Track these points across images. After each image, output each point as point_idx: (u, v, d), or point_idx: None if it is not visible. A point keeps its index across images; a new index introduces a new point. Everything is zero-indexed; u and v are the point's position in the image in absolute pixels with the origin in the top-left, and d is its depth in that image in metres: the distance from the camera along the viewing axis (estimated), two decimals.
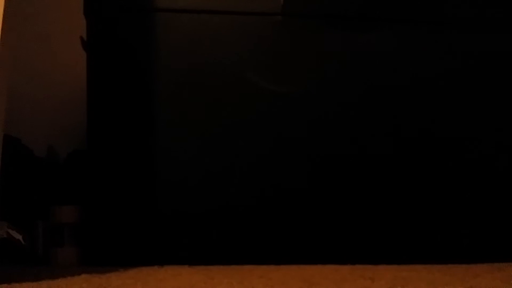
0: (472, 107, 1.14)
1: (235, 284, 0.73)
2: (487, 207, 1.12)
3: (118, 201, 1.06)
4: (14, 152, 1.14)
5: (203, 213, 1.07)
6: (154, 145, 1.08)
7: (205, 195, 1.07)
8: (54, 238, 1.09)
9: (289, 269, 0.95)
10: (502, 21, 1.17)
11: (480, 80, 1.15)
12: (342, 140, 1.10)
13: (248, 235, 1.07)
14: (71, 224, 1.10)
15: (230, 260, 1.02)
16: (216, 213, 1.07)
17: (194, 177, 1.07)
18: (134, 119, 1.08)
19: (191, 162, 1.07)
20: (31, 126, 1.40)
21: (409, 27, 1.14)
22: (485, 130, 1.14)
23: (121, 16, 1.10)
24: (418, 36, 1.14)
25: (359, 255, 1.06)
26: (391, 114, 1.12)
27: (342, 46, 1.12)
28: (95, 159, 1.08)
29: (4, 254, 1.04)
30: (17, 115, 1.33)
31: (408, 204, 1.10)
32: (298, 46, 1.12)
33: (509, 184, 1.13)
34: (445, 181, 1.11)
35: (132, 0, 1.10)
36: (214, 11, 1.10)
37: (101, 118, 1.09)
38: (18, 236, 1.03)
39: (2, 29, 0.79)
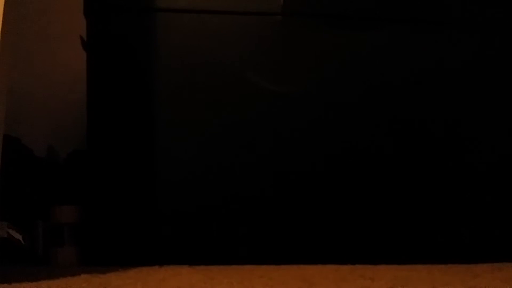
0: (472, 106, 1.14)
1: (235, 284, 0.73)
2: (487, 207, 1.12)
3: (118, 201, 1.06)
4: (14, 152, 1.14)
5: (203, 213, 1.07)
6: (154, 145, 1.08)
7: (205, 195, 1.07)
8: (54, 238, 1.09)
9: (289, 269, 0.95)
10: (503, 21, 1.17)
11: (480, 80, 1.15)
12: (342, 140, 1.10)
13: (248, 235, 1.07)
14: (71, 224, 1.10)
15: (230, 260, 1.02)
16: (216, 213, 1.07)
17: (194, 177, 1.07)
18: (134, 119, 1.08)
19: (191, 161, 1.07)
20: (31, 126, 1.40)
21: (409, 27, 1.14)
22: (485, 130, 1.14)
23: (121, 16, 1.10)
24: (418, 36, 1.14)
25: (359, 255, 1.06)
26: (391, 114, 1.12)
27: (342, 46, 1.12)
28: (95, 159, 1.08)
29: (4, 254, 1.03)
30: (17, 115, 1.33)
31: (408, 204, 1.10)
32: (298, 46, 1.12)
33: (509, 184, 1.13)
34: (445, 181, 1.11)
35: (132, 0, 1.10)
36: (214, 11, 1.10)
37: (101, 118, 1.09)
38: (18, 236, 1.03)
39: (2, 29, 0.79)
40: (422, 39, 1.14)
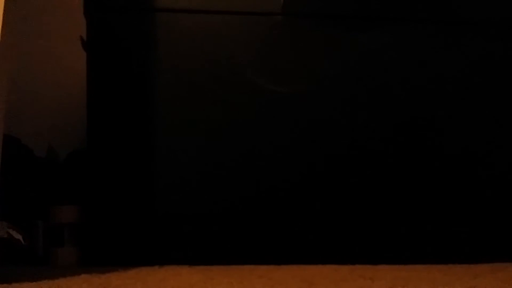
0: (473, 107, 1.14)
1: (235, 284, 0.73)
2: (487, 207, 1.12)
3: (118, 201, 1.06)
4: (14, 152, 1.14)
5: (203, 213, 1.07)
6: (154, 145, 1.08)
7: (205, 195, 1.07)
8: (54, 238, 1.09)
9: (289, 269, 0.95)
10: (504, 22, 1.17)
11: (482, 80, 1.15)
12: (342, 140, 1.10)
13: (248, 235, 1.07)
14: (71, 224, 1.10)
15: (230, 260, 1.02)
16: (216, 213, 1.07)
17: (194, 176, 1.07)
18: (134, 119, 1.08)
19: (191, 161, 1.07)
20: (31, 126, 1.40)
21: (409, 27, 1.14)
22: (486, 130, 1.14)
23: (121, 16, 1.10)
24: (419, 36, 1.14)
25: (359, 255, 1.06)
26: (392, 114, 1.12)
27: (342, 46, 1.12)
28: (95, 159, 1.08)
29: (4, 254, 1.03)
30: (17, 115, 1.33)
31: (408, 204, 1.10)
32: (298, 46, 1.12)
33: (509, 184, 1.13)
34: (445, 181, 1.11)
35: (132, 0, 1.10)
36: (214, 11, 1.10)
37: (101, 118, 1.09)
38: (18, 236, 1.02)
39: (2, 29, 0.79)
40: (422, 39, 1.14)
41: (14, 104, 1.20)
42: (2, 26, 0.79)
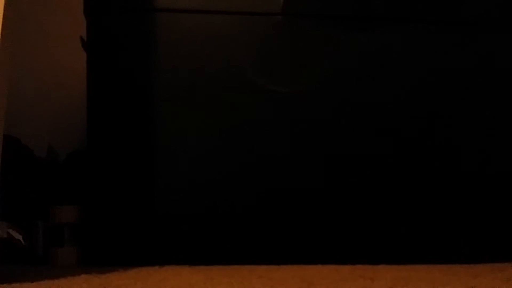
0: (473, 106, 1.14)
1: (235, 284, 0.73)
2: (487, 207, 1.12)
3: (118, 201, 1.06)
4: (14, 152, 1.14)
5: (203, 213, 1.06)
6: (154, 146, 1.08)
7: (205, 195, 1.07)
8: (54, 238, 1.09)
9: (289, 269, 0.95)
10: (504, 21, 1.17)
11: (482, 80, 1.15)
12: (342, 140, 1.10)
13: (248, 235, 1.07)
14: (71, 224, 1.10)
15: (230, 260, 1.02)
16: (216, 213, 1.07)
17: (194, 176, 1.07)
18: (134, 119, 1.08)
19: (191, 161, 1.07)
20: (31, 126, 1.40)
21: (410, 27, 1.14)
22: (486, 130, 1.14)
23: (121, 16, 1.10)
24: (419, 36, 1.14)
25: (359, 255, 1.06)
26: (392, 114, 1.12)
27: (342, 46, 1.12)
28: (95, 159, 1.08)
29: (4, 254, 1.04)
30: (17, 115, 1.33)
31: (408, 205, 1.10)
32: (298, 46, 1.12)
33: (509, 184, 1.13)
34: (445, 181, 1.11)
35: (132, 0, 1.10)
36: (214, 11, 1.10)
37: (101, 118, 1.09)
38: (19, 236, 1.02)
39: (2, 29, 0.79)
40: (422, 39, 1.14)
41: (14, 104, 1.20)
42: (2, 26, 0.79)
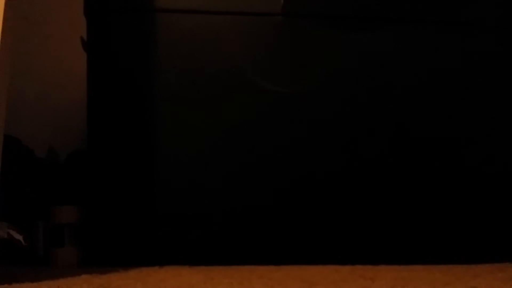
0: (473, 106, 1.14)
1: (235, 285, 0.73)
2: (487, 207, 1.12)
3: (118, 201, 1.06)
4: (14, 152, 1.14)
5: (203, 213, 1.07)
6: (154, 146, 1.08)
7: (205, 195, 1.07)
8: (54, 239, 1.09)
9: (289, 269, 0.95)
10: (503, 22, 1.17)
11: (483, 80, 1.15)
12: (342, 140, 1.10)
13: (248, 235, 1.07)
14: (72, 224, 1.10)
15: (230, 260, 1.02)
16: (217, 214, 1.07)
17: (194, 177, 1.07)
18: (134, 119, 1.08)
19: (191, 162, 1.07)
20: (31, 126, 1.40)
21: (409, 27, 1.14)
22: (486, 131, 1.14)
23: (121, 17, 1.10)
24: (419, 36, 1.14)
25: (359, 255, 1.06)
26: (392, 114, 1.12)
27: (342, 46, 1.12)
28: (95, 159, 1.08)
29: (5, 254, 1.04)
30: (17, 115, 1.33)
31: (408, 204, 1.10)
32: (298, 46, 1.12)
33: (509, 184, 1.13)
34: (445, 181, 1.11)
35: (132, 0, 1.10)
36: (214, 11, 1.10)
37: (101, 119, 1.09)
38: (19, 237, 1.02)
39: (2, 29, 0.79)
40: (422, 39, 1.14)
41: (14, 105, 1.20)
42: (2, 27, 0.79)
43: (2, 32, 0.79)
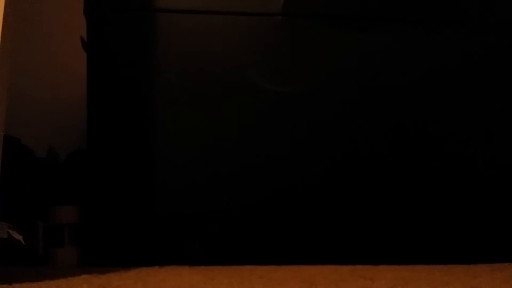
0: (473, 106, 1.14)
1: (235, 285, 0.73)
2: (487, 207, 1.12)
3: (118, 201, 1.06)
4: (14, 152, 1.14)
5: (203, 213, 1.07)
6: (154, 146, 1.08)
7: (205, 195, 1.07)
8: (54, 239, 1.09)
9: (289, 269, 0.95)
10: (501, 22, 1.17)
11: (482, 80, 1.15)
12: (342, 140, 1.10)
13: (248, 235, 1.07)
14: (71, 225, 1.10)
15: (230, 260, 1.02)
16: (216, 213, 1.07)
17: (194, 177, 1.07)
18: (134, 119, 1.08)
19: (191, 162, 1.07)
20: (31, 126, 1.40)
21: (409, 27, 1.14)
22: (486, 130, 1.14)
23: (121, 16, 1.10)
24: (418, 36, 1.14)
25: (359, 256, 1.06)
26: (391, 114, 1.12)
27: (342, 46, 1.12)
28: (95, 159, 1.08)
29: (5, 254, 1.03)
30: (17, 115, 1.33)
31: (408, 205, 1.10)
32: (298, 46, 1.12)
33: (509, 184, 1.13)
34: (445, 181, 1.11)
35: (132, 0, 1.10)
36: (214, 11, 1.10)
37: (101, 119, 1.09)
38: (19, 237, 1.02)
39: (2, 29, 0.79)
40: (422, 39, 1.14)
41: (14, 105, 1.20)
42: (2, 26, 0.79)
43: (2, 32, 0.79)
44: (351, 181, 1.10)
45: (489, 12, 1.17)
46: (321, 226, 1.08)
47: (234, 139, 1.08)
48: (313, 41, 1.12)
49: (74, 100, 1.37)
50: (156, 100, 1.08)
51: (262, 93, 1.09)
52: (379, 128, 1.11)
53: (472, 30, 1.16)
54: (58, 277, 0.80)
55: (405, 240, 1.09)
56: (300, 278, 0.81)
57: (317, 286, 0.73)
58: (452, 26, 1.15)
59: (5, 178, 0.83)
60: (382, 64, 1.13)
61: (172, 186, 1.07)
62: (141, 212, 1.06)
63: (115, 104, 1.09)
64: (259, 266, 0.99)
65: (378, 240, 1.09)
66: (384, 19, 1.14)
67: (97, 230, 1.06)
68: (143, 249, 1.06)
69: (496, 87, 1.16)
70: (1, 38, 0.79)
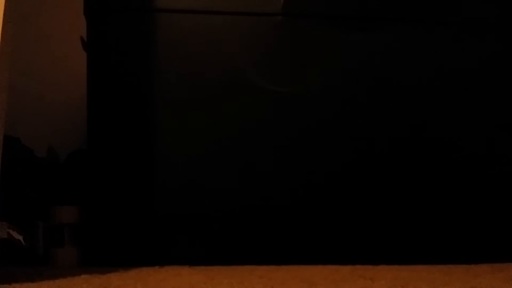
0: (474, 106, 1.14)
1: (235, 285, 0.73)
2: (487, 207, 1.12)
3: (118, 201, 1.06)
4: (14, 152, 1.14)
5: (203, 213, 1.07)
6: (154, 146, 1.08)
7: (205, 195, 1.07)
8: (54, 239, 1.10)
9: (289, 269, 0.95)
10: (502, 22, 1.17)
11: (483, 80, 1.15)
12: (342, 140, 1.10)
13: (248, 235, 1.07)
14: (72, 224, 1.10)
15: (230, 260, 1.02)
16: (216, 214, 1.07)
17: (194, 176, 1.07)
18: (134, 119, 1.08)
19: (191, 161, 1.07)
20: (31, 126, 1.40)
21: (409, 27, 1.14)
22: (487, 130, 1.14)
23: (121, 16, 1.10)
24: (418, 36, 1.14)
25: (359, 255, 1.06)
26: (392, 114, 1.12)
27: (342, 46, 1.12)
28: (95, 159, 1.08)
29: (5, 254, 1.04)
30: (17, 115, 1.33)
31: (408, 204, 1.10)
32: (298, 46, 1.12)
33: (509, 184, 1.13)
34: (445, 181, 1.11)
35: (132, 0, 1.10)
36: (214, 11, 1.10)
37: (101, 119, 1.09)
38: (19, 237, 1.02)
39: (2, 29, 0.79)
40: (422, 39, 1.14)
41: (14, 104, 1.20)
42: (2, 27, 0.79)
43: (2, 32, 0.79)
44: (351, 181, 1.10)
45: (489, 12, 1.17)
46: (321, 226, 1.08)
47: (234, 139, 1.08)
48: (313, 41, 1.12)
49: (74, 100, 1.37)
50: (156, 100, 1.08)
51: (262, 93, 1.09)
52: (379, 128, 1.11)
53: (472, 30, 1.16)
54: (58, 277, 0.80)
55: (405, 240, 1.09)
56: (300, 278, 0.81)
57: (317, 286, 0.73)
58: (452, 26, 1.15)
59: (5, 178, 0.83)
60: (382, 64, 1.13)
61: (172, 186, 1.07)
62: (141, 212, 1.06)
63: (115, 104, 1.09)
64: (259, 266, 0.99)
65: (378, 240, 1.09)
66: (384, 19, 1.14)
67: (97, 230, 1.06)
68: (143, 249, 1.06)
69: (496, 87, 1.16)
70: (1, 38, 0.79)
